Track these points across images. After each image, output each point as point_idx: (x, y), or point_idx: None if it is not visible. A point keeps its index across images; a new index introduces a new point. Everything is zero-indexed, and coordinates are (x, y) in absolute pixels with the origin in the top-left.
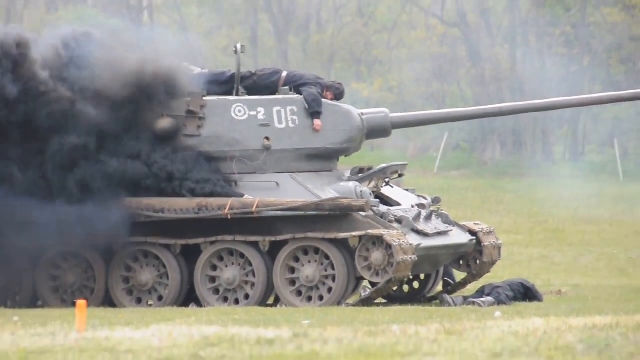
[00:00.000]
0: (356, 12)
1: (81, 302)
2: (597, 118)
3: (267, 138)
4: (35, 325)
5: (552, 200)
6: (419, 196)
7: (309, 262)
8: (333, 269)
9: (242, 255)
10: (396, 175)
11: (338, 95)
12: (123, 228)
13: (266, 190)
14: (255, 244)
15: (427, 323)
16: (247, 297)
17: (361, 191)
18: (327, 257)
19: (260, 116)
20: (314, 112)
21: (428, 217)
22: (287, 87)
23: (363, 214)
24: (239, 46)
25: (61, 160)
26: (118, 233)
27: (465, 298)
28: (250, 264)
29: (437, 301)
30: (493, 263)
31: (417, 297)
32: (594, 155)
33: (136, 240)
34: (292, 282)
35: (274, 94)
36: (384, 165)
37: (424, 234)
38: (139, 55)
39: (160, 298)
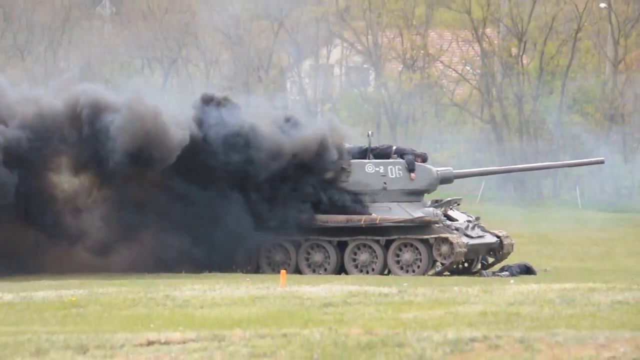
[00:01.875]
0: (434, 114)
1: (283, 271)
2: (567, 174)
3: (385, 183)
4: (258, 282)
5: (542, 219)
6: (468, 216)
7: (408, 251)
8: (420, 255)
9: (370, 247)
10: (456, 205)
11: (424, 160)
12: (306, 230)
13: (383, 211)
14: (377, 241)
15: (472, 285)
16: (372, 270)
17: (436, 213)
18: (417, 249)
19: (381, 171)
20: (410, 169)
21: (473, 227)
22: (396, 155)
23: (437, 225)
24: (370, 132)
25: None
26: (303, 233)
27: (493, 272)
28: (374, 252)
29: (478, 274)
30: (509, 253)
31: (467, 272)
32: (565, 194)
33: (313, 237)
34: (398, 262)
35: (389, 158)
36: (449, 198)
37: (471, 237)
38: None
39: (325, 269)
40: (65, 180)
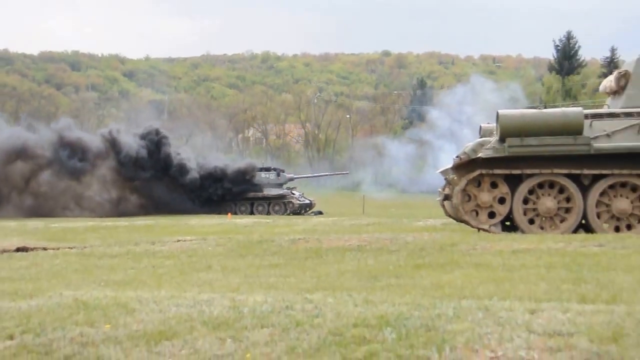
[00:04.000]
0: (287, 155)
1: (230, 214)
2: (338, 176)
3: (268, 181)
4: (220, 218)
5: (327, 195)
6: (299, 193)
7: (277, 206)
8: (282, 208)
9: (262, 205)
10: (295, 188)
11: (283, 172)
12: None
13: (268, 191)
14: (266, 202)
15: (301, 219)
16: (263, 213)
17: (287, 192)
18: (281, 205)
19: (268, 176)
20: (278, 175)
21: (302, 197)
22: (273, 170)
23: (288, 196)
24: (263, 162)
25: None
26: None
27: (308, 214)
28: (265, 206)
29: (304, 215)
30: (314, 206)
31: (299, 214)
32: (336, 184)
33: (242, 201)
34: (273, 210)
35: (270, 171)
36: (292, 186)
37: (300, 201)
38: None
39: (246, 213)
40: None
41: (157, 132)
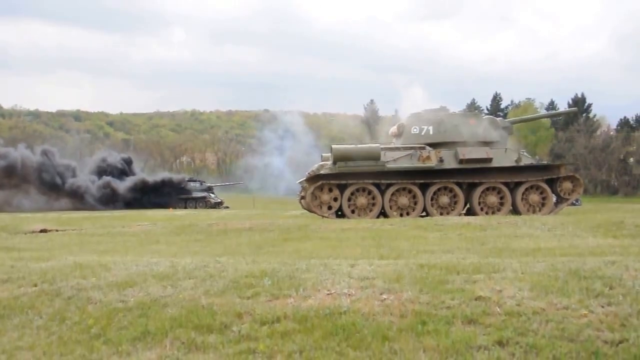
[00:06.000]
0: (206, 173)
1: (171, 208)
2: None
3: (196, 188)
4: (166, 211)
5: (233, 197)
6: (215, 195)
7: (201, 203)
8: (203, 204)
9: (192, 203)
10: (212, 192)
11: (204, 182)
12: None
13: (196, 194)
14: (194, 202)
15: (215, 210)
16: (192, 208)
17: (208, 194)
18: (203, 203)
19: (195, 184)
20: (201, 183)
21: (216, 198)
22: (197, 181)
23: (207, 197)
24: (190, 177)
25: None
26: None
27: (222, 207)
28: (195, 204)
29: (218, 208)
30: (224, 203)
31: (216, 208)
32: (230, 188)
33: (178, 200)
34: (201, 206)
35: (195, 182)
36: (211, 191)
37: (214, 199)
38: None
39: (180, 208)
40: None
41: (45, 153)
